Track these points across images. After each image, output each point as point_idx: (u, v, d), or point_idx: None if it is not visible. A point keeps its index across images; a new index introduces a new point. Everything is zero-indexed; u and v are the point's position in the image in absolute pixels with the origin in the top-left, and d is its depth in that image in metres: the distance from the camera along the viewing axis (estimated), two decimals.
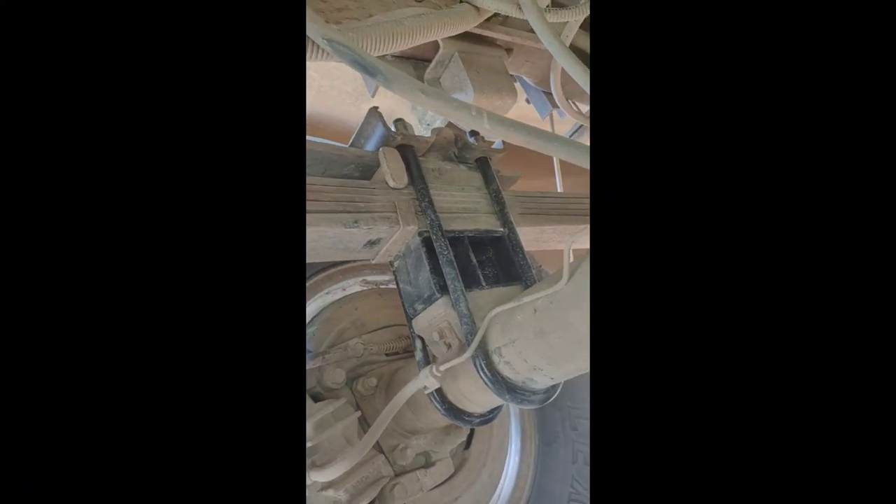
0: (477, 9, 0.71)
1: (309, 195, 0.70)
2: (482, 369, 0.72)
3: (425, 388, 0.76)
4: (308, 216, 0.68)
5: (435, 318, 0.79)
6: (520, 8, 0.65)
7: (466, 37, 0.84)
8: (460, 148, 0.93)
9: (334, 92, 1.45)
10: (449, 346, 0.80)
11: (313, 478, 0.72)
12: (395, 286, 1.14)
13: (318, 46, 0.49)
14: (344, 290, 1.06)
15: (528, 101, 1.13)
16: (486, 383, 0.73)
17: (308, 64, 0.87)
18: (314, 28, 0.47)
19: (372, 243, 0.80)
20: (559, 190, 1.34)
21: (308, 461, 0.74)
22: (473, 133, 0.94)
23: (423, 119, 1.40)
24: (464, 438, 0.99)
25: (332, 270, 1.02)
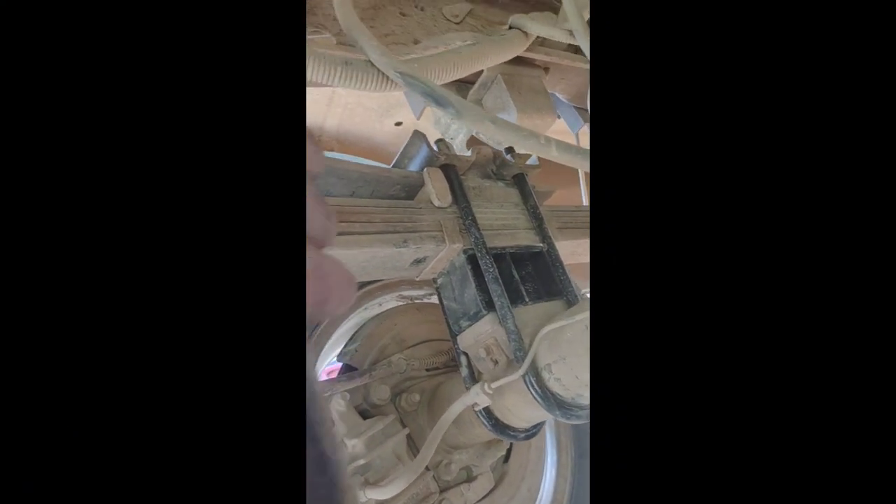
0: (525, 34, 0.72)
1: (362, 217, 0.71)
2: (532, 386, 0.73)
3: (475, 404, 0.78)
4: (363, 237, 0.69)
5: (481, 334, 0.81)
6: (571, 34, 0.67)
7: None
8: (498, 165, 0.94)
9: (360, 109, 1.47)
10: (496, 362, 0.81)
11: (368, 495, 0.73)
12: (429, 301, 1.16)
13: (388, 78, 0.51)
14: (380, 305, 1.07)
15: (559, 117, 1.15)
16: (536, 400, 0.74)
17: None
18: (386, 62, 0.49)
19: (418, 262, 0.81)
20: (585, 202, 1.35)
21: (361, 479, 0.75)
22: (510, 150, 0.95)
23: (447, 134, 1.42)
24: (503, 452, 1.00)
25: (370, 287, 1.03)
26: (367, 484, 0.74)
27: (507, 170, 0.94)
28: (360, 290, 1.03)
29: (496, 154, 0.93)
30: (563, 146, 0.48)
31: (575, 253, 1.03)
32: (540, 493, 1.05)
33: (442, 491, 0.87)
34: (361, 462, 0.76)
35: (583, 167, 0.50)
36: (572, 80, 0.98)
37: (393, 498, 0.75)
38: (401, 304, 1.10)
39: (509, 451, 1.03)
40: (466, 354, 0.84)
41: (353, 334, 1.00)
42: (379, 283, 1.07)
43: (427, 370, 0.99)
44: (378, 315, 1.04)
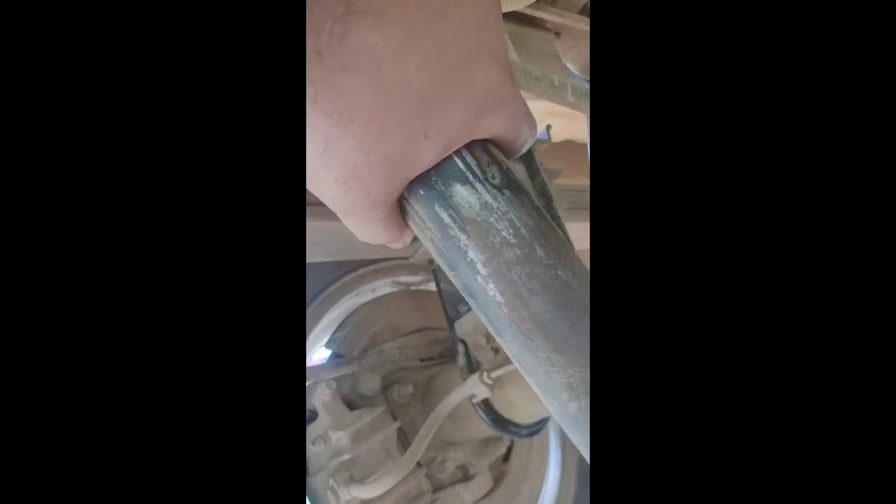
0: None
1: None
2: None
3: (473, 396, 0.70)
4: None
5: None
6: None
7: (515, 18, 0.78)
8: None
9: None
10: (496, 350, 0.74)
11: (353, 493, 0.66)
12: (426, 287, 1.09)
13: None
14: (374, 290, 1.00)
15: None
16: None
17: None
18: None
19: (413, 239, 0.74)
20: None
21: (346, 475, 0.68)
22: None
23: None
24: (503, 451, 0.93)
25: (363, 270, 0.96)
26: (353, 481, 0.67)
27: None
28: (351, 273, 0.96)
29: None
30: (581, 91, 0.40)
31: (584, 237, 0.95)
32: (542, 496, 0.98)
33: (435, 490, 0.80)
34: (346, 457, 0.69)
35: None
36: (584, 48, 0.90)
37: (380, 497, 0.68)
38: (395, 290, 1.03)
39: (510, 449, 0.96)
40: (464, 342, 0.77)
41: (343, 321, 0.93)
42: (372, 268, 1.00)
43: (422, 360, 0.91)
44: (371, 301, 0.97)
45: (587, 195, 0.94)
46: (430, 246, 0.25)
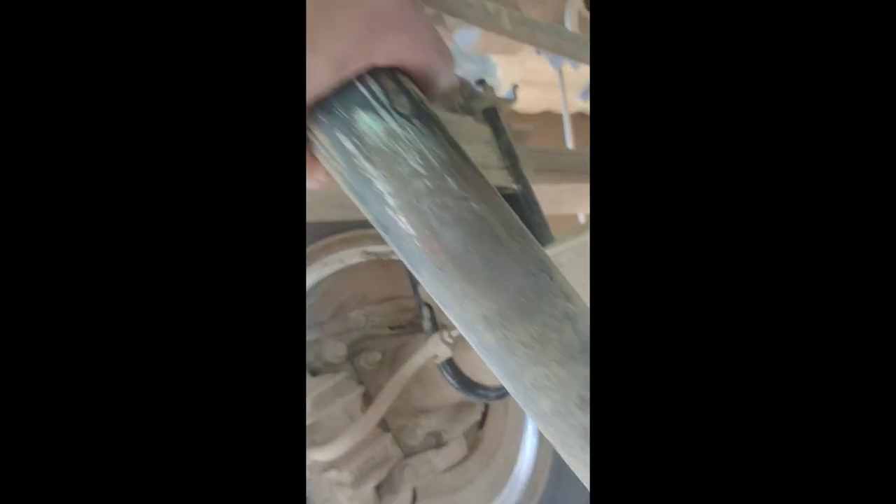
0: None
1: None
2: None
3: (436, 357, 0.69)
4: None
5: None
6: None
7: None
8: (466, 97, 0.85)
9: None
10: None
11: (313, 457, 0.64)
12: (396, 257, 1.07)
13: None
14: (342, 261, 0.98)
15: (538, 52, 1.05)
16: None
17: None
18: None
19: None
20: (569, 146, 1.24)
21: (308, 439, 0.66)
22: (480, 81, 0.86)
23: None
24: (478, 417, 0.92)
25: (331, 239, 0.94)
26: (314, 444, 0.66)
27: (476, 102, 0.85)
28: (317, 241, 0.93)
29: (463, 84, 0.83)
30: (519, 18, 0.38)
31: (555, 201, 0.93)
32: (518, 463, 0.97)
33: (406, 456, 0.79)
34: (308, 422, 0.67)
35: (546, 44, 0.41)
36: (549, 5, 0.88)
37: (344, 460, 0.66)
38: (364, 260, 1.01)
39: (485, 416, 0.95)
40: (430, 305, 0.75)
41: (309, 290, 0.91)
42: (340, 236, 0.97)
43: (391, 328, 0.90)
44: (338, 271, 0.95)
45: (556, 157, 0.92)
46: (338, 178, 0.24)
